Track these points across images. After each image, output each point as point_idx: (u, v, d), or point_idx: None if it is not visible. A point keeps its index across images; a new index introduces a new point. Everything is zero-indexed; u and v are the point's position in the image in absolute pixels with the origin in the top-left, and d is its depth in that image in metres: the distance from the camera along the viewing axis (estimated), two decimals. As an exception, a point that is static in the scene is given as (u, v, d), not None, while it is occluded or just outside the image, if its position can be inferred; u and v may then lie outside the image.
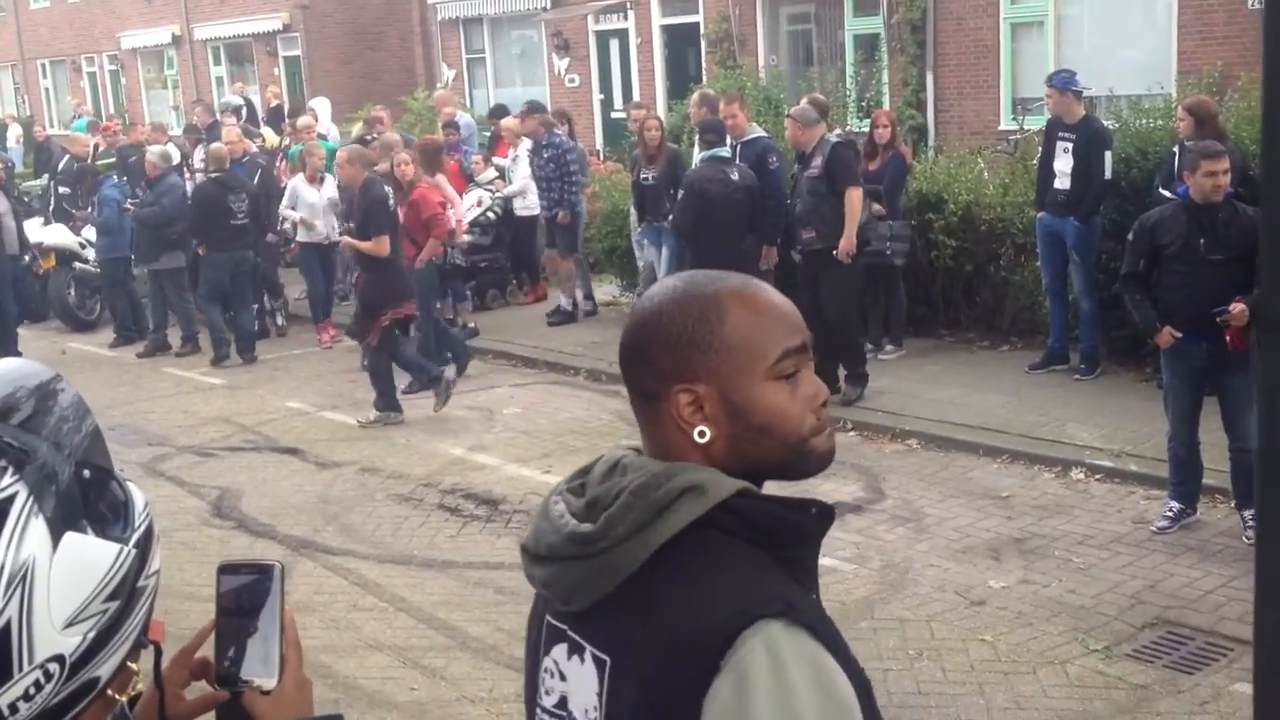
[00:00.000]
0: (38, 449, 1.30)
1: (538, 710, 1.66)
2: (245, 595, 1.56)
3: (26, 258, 12.19)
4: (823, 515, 1.56)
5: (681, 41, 19.82)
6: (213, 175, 12.34)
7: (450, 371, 10.16)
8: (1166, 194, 8.60)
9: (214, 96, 25.79)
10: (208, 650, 1.57)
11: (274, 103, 21.21)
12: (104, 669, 1.32)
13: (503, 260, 13.64)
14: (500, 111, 15.03)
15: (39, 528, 1.26)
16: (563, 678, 1.60)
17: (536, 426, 9.49)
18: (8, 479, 1.26)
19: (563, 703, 1.60)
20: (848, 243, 8.90)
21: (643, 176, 11.04)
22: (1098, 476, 7.64)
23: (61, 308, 14.43)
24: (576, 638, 1.58)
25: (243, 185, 12.29)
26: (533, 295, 13.72)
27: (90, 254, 14.17)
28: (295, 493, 8.24)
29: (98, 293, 14.53)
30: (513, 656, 5.76)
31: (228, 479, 8.60)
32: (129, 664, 1.38)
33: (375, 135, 13.46)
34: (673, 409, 1.54)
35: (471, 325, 12.34)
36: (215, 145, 13.06)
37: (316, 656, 5.75)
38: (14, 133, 27.07)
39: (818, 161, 8.96)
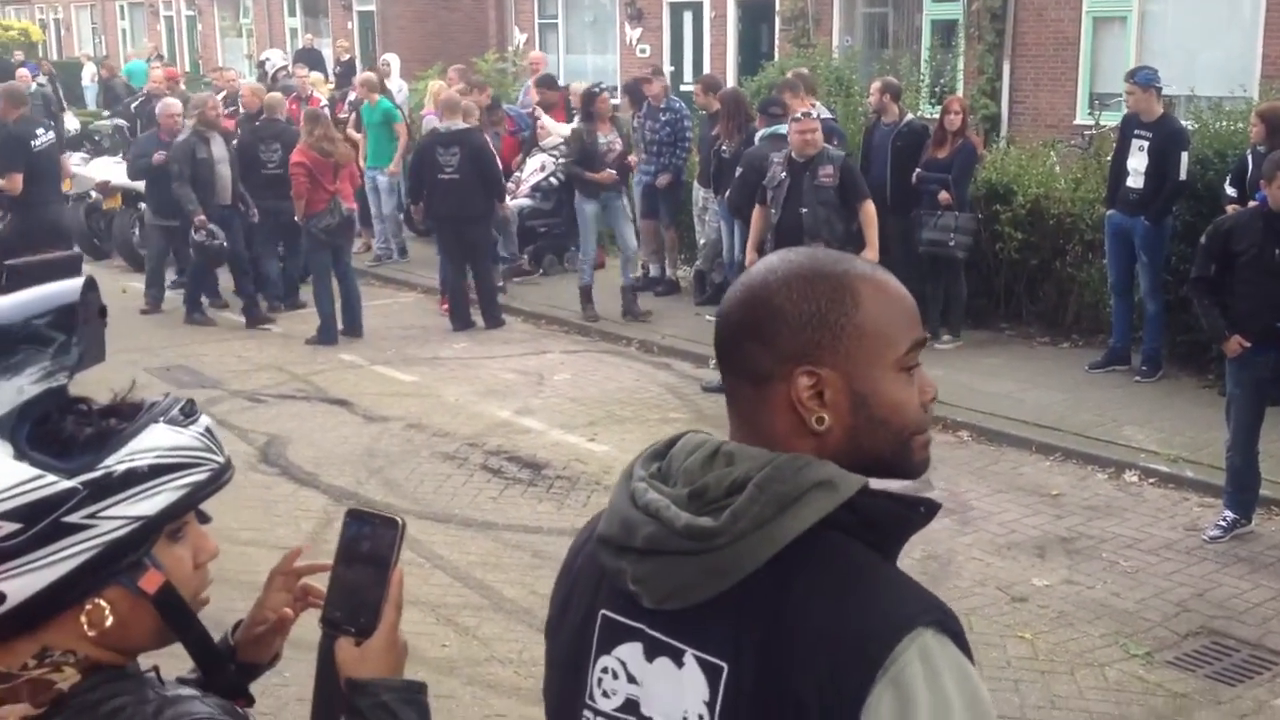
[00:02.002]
0: None
1: (587, 712, 1.53)
2: (365, 544, 1.58)
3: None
4: (929, 512, 1.50)
5: (756, 17, 19.64)
6: (255, 124, 12.36)
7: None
8: (1232, 192, 8.42)
9: (287, 47, 25.90)
10: (316, 581, 1.67)
11: (344, 56, 21.27)
12: (7, 586, 1.33)
13: (562, 226, 13.60)
14: (548, 81, 14.91)
15: None
16: (632, 680, 1.48)
17: (584, 394, 9.46)
18: None
19: (630, 707, 1.49)
20: (875, 253, 8.57)
21: (721, 149, 10.94)
22: (1152, 480, 7.50)
23: (124, 247, 14.54)
24: (665, 639, 1.45)
25: (277, 135, 12.06)
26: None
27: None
28: (341, 444, 8.26)
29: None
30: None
31: (276, 426, 8.65)
32: (100, 601, 1.38)
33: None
34: (792, 392, 1.44)
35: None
36: (249, 87, 13.32)
37: (351, 607, 5.76)
38: (89, 71, 27.39)
39: (828, 170, 8.65)
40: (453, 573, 6.26)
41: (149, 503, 1.38)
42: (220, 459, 1.47)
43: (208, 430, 1.46)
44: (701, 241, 11.91)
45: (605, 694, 1.51)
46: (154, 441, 1.39)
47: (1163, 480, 7.48)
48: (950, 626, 1.38)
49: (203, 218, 11.02)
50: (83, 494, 1.34)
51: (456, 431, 8.51)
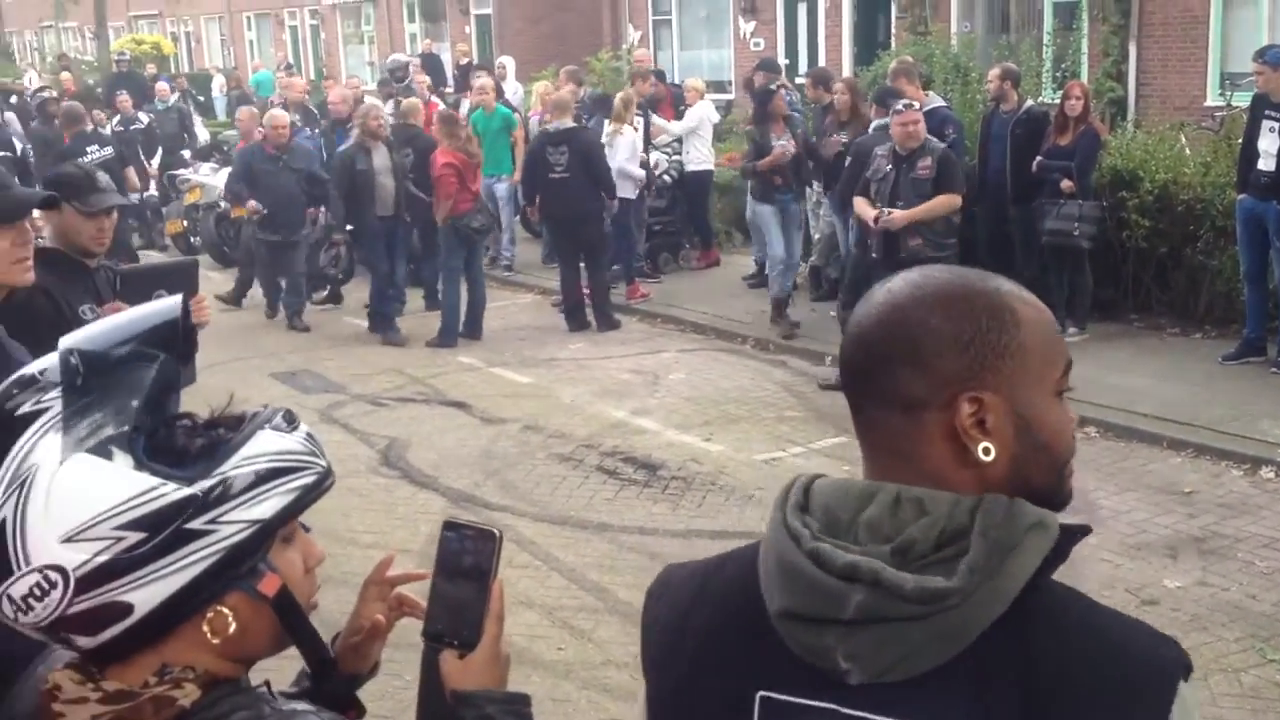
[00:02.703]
0: (104, 379, 1.40)
1: None
2: (464, 556, 1.58)
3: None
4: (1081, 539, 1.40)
5: (871, 6, 19.38)
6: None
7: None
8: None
9: (407, 51, 26.31)
10: (412, 589, 1.70)
11: (463, 60, 21.53)
12: (135, 597, 1.35)
13: (677, 223, 13.58)
14: (657, 77, 14.89)
15: (52, 442, 1.36)
16: None
17: (700, 393, 9.43)
18: (50, 395, 1.39)
19: None
20: (903, 216, 8.31)
21: (836, 140, 10.82)
22: (1289, 477, 7.22)
23: (252, 254, 14.90)
24: (872, 716, 1.29)
25: (409, 140, 12.05)
26: (705, 259, 13.61)
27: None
28: (460, 446, 8.35)
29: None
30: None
31: (397, 429, 8.77)
32: (222, 609, 1.41)
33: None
34: (955, 420, 1.31)
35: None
36: (408, 100, 13.34)
37: (468, 610, 5.81)
38: (218, 82, 28.14)
39: (926, 163, 8.41)
40: (568, 575, 6.27)
41: (264, 506, 1.40)
42: (324, 463, 1.49)
43: (309, 436, 1.49)
44: (816, 237, 11.80)
45: None
46: (264, 447, 1.43)
47: (1302, 476, 7.19)
48: (1190, 667, 1.29)
49: (340, 237, 11.22)
50: (202, 500, 1.37)
51: (572, 433, 8.54)
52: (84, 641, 1.38)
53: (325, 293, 12.89)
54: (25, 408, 1.38)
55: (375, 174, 11.13)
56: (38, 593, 1.34)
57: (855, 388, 1.39)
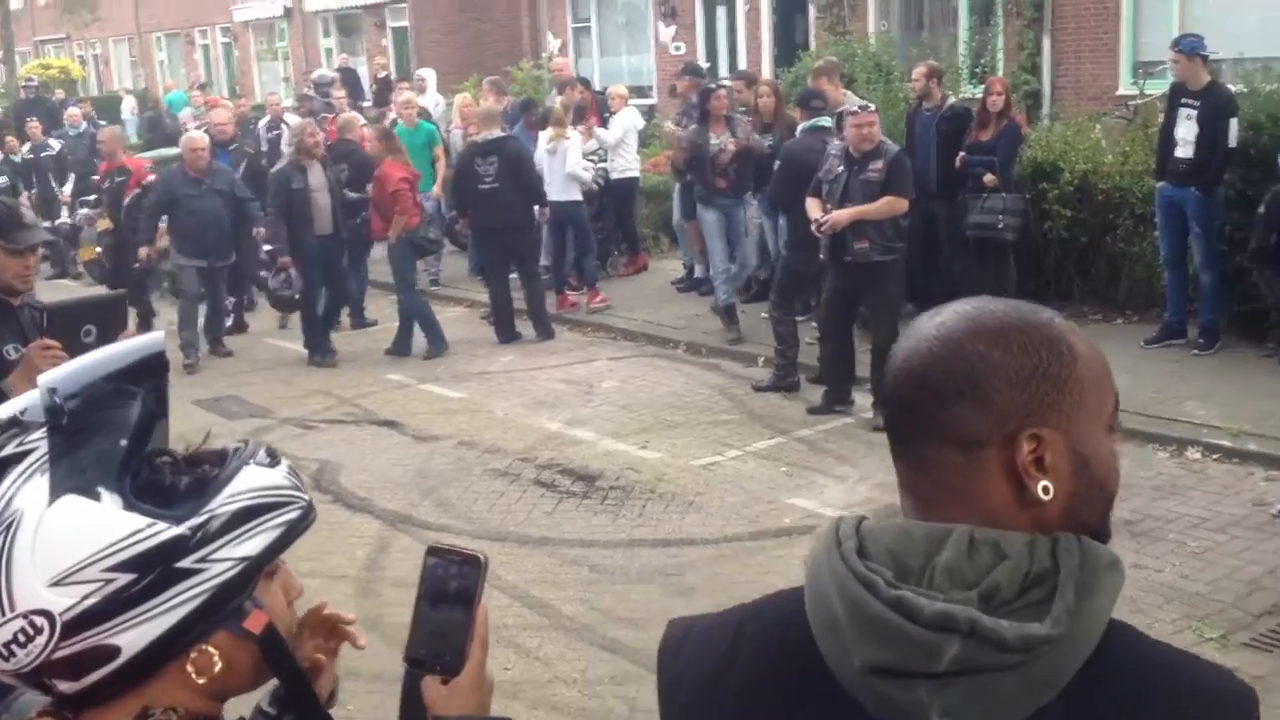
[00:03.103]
0: (89, 417, 1.37)
1: None
2: (447, 582, 1.57)
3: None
4: None
5: (790, 8, 19.48)
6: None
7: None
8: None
9: (325, 66, 26.06)
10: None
11: (381, 74, 21.36)
12: (123, 639, 1.32)
13: (603, 231, 13.56)
14: (581, 84, 14.84)
15: (39, 484, 1.32)
16: None
17: (634, 400, 9.41)
18: (34, 435, 1.35)
19: None
20: (845, 215, 8.11)
21: (760, 147, 10.84)
22: (1215, 456, 7.35)
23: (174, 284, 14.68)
24: None
25: (347, 155, 11.99)
26: (632, 266, 13.61)
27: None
28: (393, 466, 8.26)
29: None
30: (605, 637, 5.70)
31: (327, 451, 8.65)
32: (208, 648, 1.38)
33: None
34: (1016, 458, 1.26)
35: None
36: (345, 115, 13.23)
37: (409, 632, 5.74)
38: (129, 105, 27.69)
39: (878, 165, 8.21)
40: (511, 592, 6.21)
41: (252, 543, 1.39)
42: (307, 497, 1.47)
43: (291, 470, 1.48)
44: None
45: None
46: (249, 483, 1.41)
47: (1227, 455, 7.33)
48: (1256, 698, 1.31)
49: (287, 259, 10.79)
50: (192, 539, 1.35)
51: (508, 447, 8.48)
52: (66, 686, 1.35)
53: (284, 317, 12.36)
54: (8, 449, 1.35)
55: (311, 192, 10.93)
56: (22, 639, 1.31)
57: (906, 424, 1.32)
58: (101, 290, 11.04)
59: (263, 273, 11.25)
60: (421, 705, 1.57)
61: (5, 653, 1.32)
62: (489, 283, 11.68)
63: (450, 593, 1.57)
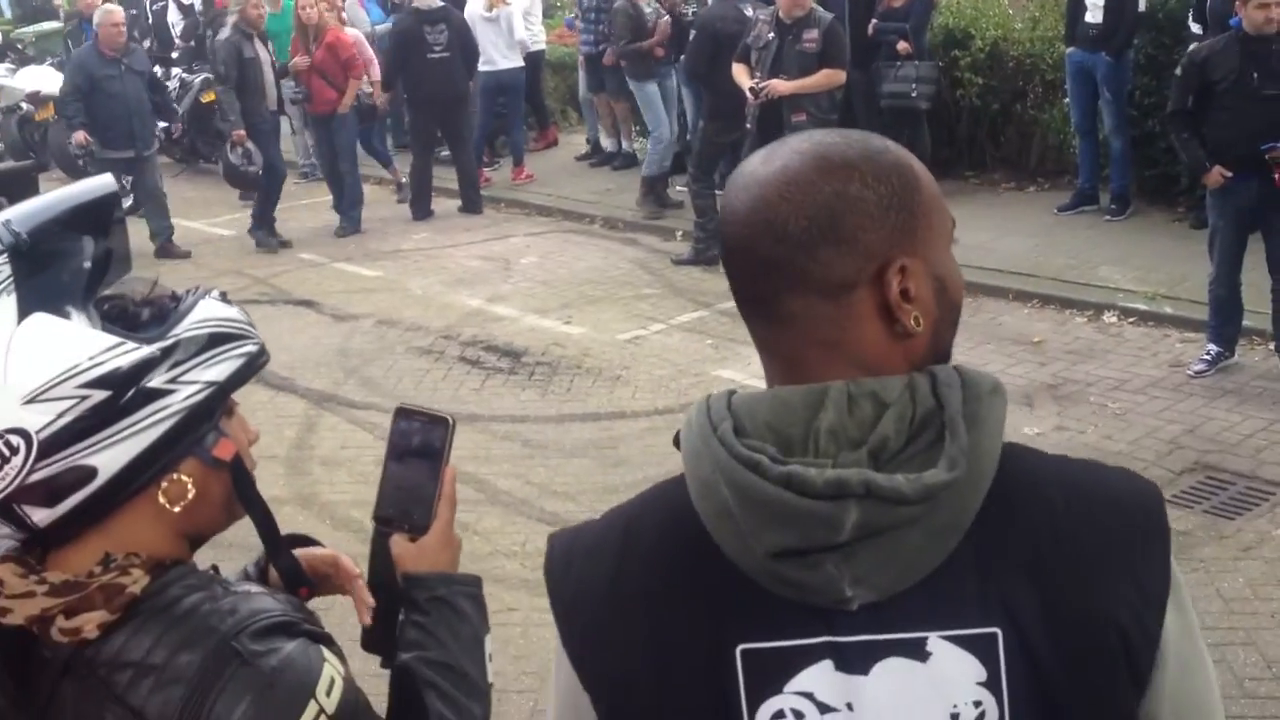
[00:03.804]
0: (50, 246, 1.36)
1: None
2: (415, 442, 1.59)
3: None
4: None
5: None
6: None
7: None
8: (1196, 29, 8.30)
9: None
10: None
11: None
12: (99, 459, 1.31)
13: (506, 107, 13.28)
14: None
15: (5, 304, 1.30)
16: (826, 709, 1.17)
17: (554, 276, 9.33)
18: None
19: None
20: (787, 87, 7.93)
21: (682, 13, 10.65)
22: (1131, 320, 7.51)
23: (62, 158, 14.07)
24: (877, 638, 1.16)
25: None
26: (543, 141, 13.39)
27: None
28: (314, 345, 8.11)
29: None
30: (543, 510, 5.71)
31: (244, 332, 8.46)
32: (179, 475, 1.38)
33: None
34: (888, 294, 1.19)
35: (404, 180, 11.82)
36: None
37: (347, 511, 5.71)
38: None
39: (812, 35, 8.03)
40: (443, 468, 6.18)
41: (218, 369, 1.40)
42: (260, 336, 1.48)
43: (243, 310, 1.49)
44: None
45: None
46: (211, 312, 1.42)
47: (1142, 318, 7.49)
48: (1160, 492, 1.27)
49: (241, 133, 10.13)
50: (162, 358, 1.35)
51: (429, 325, 8.37)
52: (40, 515, 1.33)
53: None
54: None
55: (262, 64, 10.35)
56: None
57: (765, 282, 1.21)
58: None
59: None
60: (390, 562, 1.59)
61: None
62: (416, 157, 11.25)
63: (416, 451, 1.60)
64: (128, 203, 10.07)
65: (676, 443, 1.26)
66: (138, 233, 9.91)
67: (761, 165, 1.23)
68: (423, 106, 11.09)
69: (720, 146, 9.21)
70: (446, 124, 11.06)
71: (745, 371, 7.19)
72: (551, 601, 1.28)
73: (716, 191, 9.57)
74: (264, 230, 10.67)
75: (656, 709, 1.19)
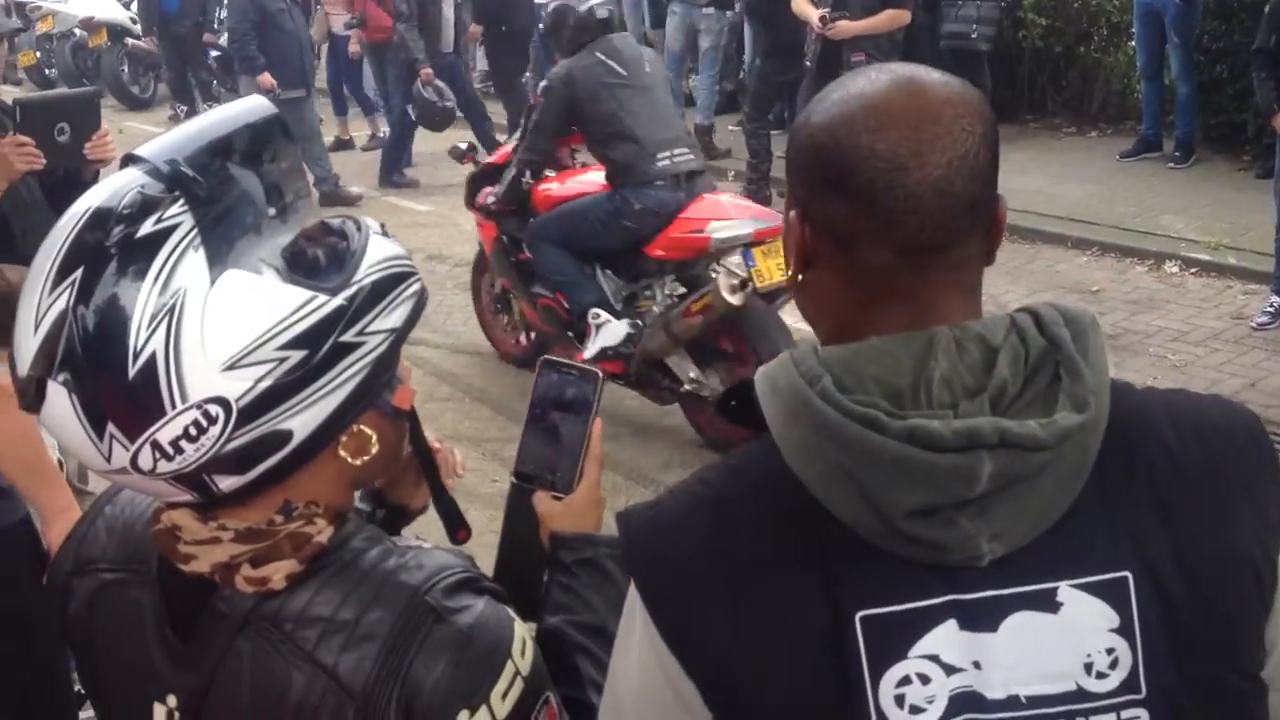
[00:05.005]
0: (224, 186, 1.24)
1: None
2: (561, 396, 1.51)
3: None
4: None
5: None
6: None
7: None
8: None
9: None
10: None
11: None
12: (295, 422, 1.23)
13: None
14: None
15: (196, 261, 1.19)
16: (952, 671, 1.11)
17: (605, 213, 9.24)
18: (175, 209, 1.21)
19: (963, 705, 1.11)
20: (853, 27, 7.66)
21: None
22: (1193, 270, 7.36)
23: (115, 84, 14.15)
24: (1004, 593, 1.10)
25: None
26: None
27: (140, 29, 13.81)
28: (363, 279, 8.09)
29: (151, 70, 14.24)
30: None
31: (294, 265, 8.46)
32: (361, 428, 1.31)
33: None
34: (997, 228, 1.18)
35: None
36: None
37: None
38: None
39: None
40: (494, 406, 6.18)
41: (396, 314, 1.30)
42: (416, 269, 1.39)
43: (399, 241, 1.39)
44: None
45: (913, 710, 1.10)
46: (382, 253, 1.31)
47: (1204, 269, 7.34)
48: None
49: (429, 71, 9.59)
50: (350, 310, 1.25)
51: (479, 260, 8.33)
52: (229, 482, 1.25)
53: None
54: (146, 227, 1.19)
55: (441, 1, 9.89)
56: (193, 432, 1.19)
57: (954, 225, 1.13)
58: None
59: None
60: (531, 520, 1.52)
61: (171, 450, 1.20)
62: (509, 91, 10.84)
63: (564, 407, 1.51)
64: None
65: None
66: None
67: (909, 98, 1.14)
68: (511, 39, 10.79)
69: (778, 86, 9.06)
70: (523, 57, 10.77)
71: (795, 317, 7.11)
72: (637, 582, 1.19)
73: (772, 132, 9.44)
74: (396, 172, 10.41)
75: (769, 685, 1.12)
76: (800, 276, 1.22)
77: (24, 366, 1.20)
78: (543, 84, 5.89)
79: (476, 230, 6.46)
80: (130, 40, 14.07)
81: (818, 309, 1.23)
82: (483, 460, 5.64)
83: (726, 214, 5.27)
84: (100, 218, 1.20)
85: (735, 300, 5.01)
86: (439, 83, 9.62)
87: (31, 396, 1.21)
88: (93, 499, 1.51)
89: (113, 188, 1.23)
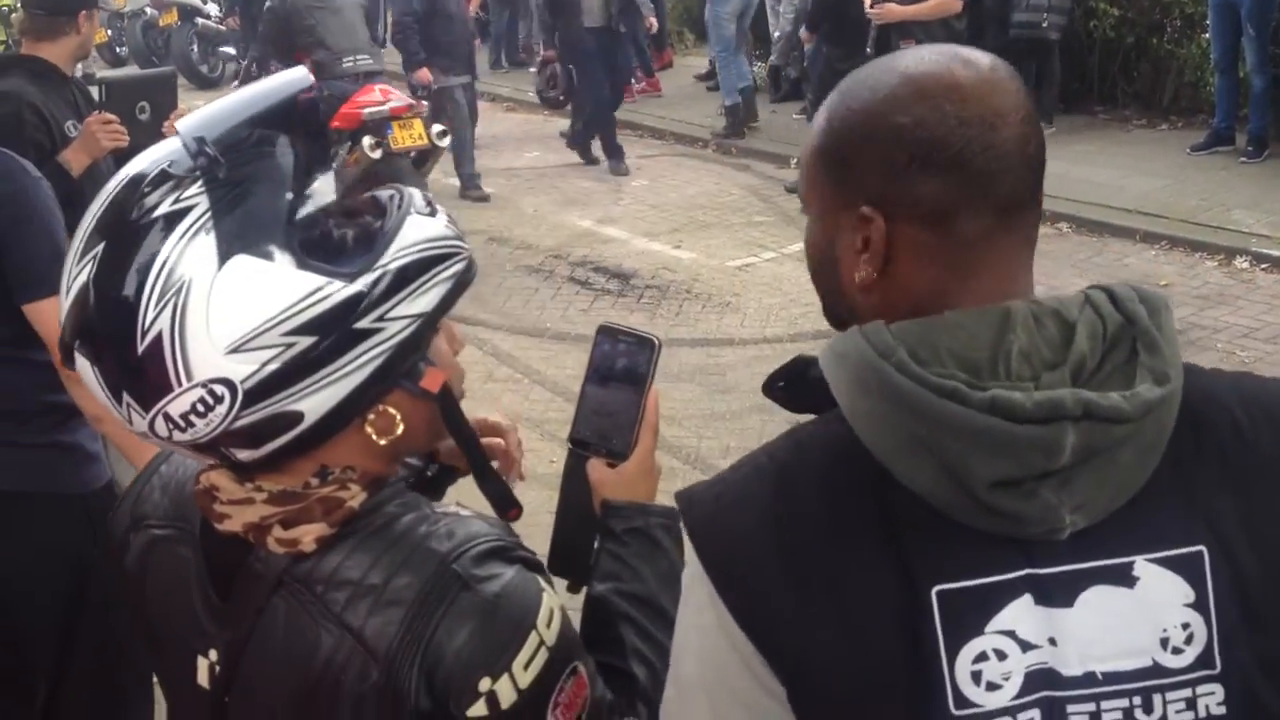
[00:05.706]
0: (249, 166, 1.24)
1: None
2: (618, 364, 1.50)
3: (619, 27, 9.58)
4: None
5: None
6: None
7: None
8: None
9: None
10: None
11: None
12: (305, 405, 1.24)
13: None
14: None
15: (205, 244, 1.21)
16: (1028, 647, 1.08)
17: (665, 200, 9.24)
18: (193, 190, 1.22)
19: (1039, 682, 1.09)
20: (901, 12, 7.63)
21: None
22: (1264, 266, 7.22)
23: (184, 63, 14.28)
24: (1080, 566, 1.09)
25: None
26: (658, 63, 13.21)
27: (211, 9, 13.94)
28: (425, 260, 8.13)
29: (220, 48, 14.38)
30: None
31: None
32: (386, 408, 1.30)
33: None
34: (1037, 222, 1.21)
35: None
36: None
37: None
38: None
39: None
40: (552, 387, 6.19)
41: (426, 298, 1.28)
42: (468, 246, 1.37)
43: (451, 219, 1.36)
44: (775, 35, 11.46)
45: (990, 686, 1.08)
46: (417, 234, 1.29)
47: (1275, 265, 7.21)
48: None
49: (551, 53, 9.35)
50: (368, 297, 1.24)
51: (539, 244, 8.35)
52: (245, 455, 1.28)
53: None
54: (163, 207, 1.22)
55: None
56: (201, 408, 1.22)
57: (1031, 182, 1.16)
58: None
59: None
60: (585, 486, 1.51)
61: (182, 423, 1.23)
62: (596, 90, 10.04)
63: (620, 374, 1.50)
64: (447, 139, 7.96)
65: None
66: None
67: (965, 67, 1.16)
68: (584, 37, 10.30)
69: (842, 74, 8.94)
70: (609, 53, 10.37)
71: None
72: (701, 558, 1.15)
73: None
74: (613, 158, 9.94)
75: (841, 658, 1.08)
76: (877, 274, 1.17)
77: (63, 329, 1.26)
78: (266, 6, 8.45)
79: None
80: (200, 20, 14.20)
81: (891, 304, 1.17)
82: (541, 441, 5.64)
83: (376, 99, 7.40)
84: (132, 187, 1.23)
85: (374, 155, 7.14)
86: (556, 68, 9.71)
87: (69, 358, 1.26)
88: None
89: (153, 157, 1.25)
